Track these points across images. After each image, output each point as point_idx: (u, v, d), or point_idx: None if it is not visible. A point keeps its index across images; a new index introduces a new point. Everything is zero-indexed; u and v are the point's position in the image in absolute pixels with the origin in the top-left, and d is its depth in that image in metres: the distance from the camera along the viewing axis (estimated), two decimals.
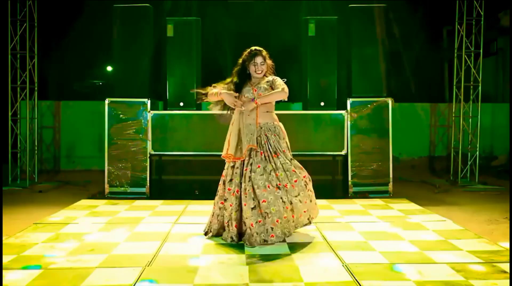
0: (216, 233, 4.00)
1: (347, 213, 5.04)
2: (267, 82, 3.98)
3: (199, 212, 5.05)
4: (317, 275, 3.09)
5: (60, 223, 4.56)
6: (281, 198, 3.78)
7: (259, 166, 3.83)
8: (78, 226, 4.44)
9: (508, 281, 2.96)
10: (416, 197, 5.96)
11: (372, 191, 6.16)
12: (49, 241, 3.91)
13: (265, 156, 3.87)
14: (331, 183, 6.13)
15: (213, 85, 4.08)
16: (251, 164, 3.85)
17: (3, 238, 3.94)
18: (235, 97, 3.93)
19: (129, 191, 6.11)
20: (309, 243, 3.87)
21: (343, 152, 6.14)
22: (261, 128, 3.94)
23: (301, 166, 4.01)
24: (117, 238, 4.00)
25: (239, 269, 3.22)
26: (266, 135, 3.93)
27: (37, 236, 4.05)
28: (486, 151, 8.85)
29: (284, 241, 3.85)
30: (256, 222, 3.75)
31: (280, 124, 4.06)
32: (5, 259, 3.38)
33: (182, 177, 6.11)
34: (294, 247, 3.73)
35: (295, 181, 3.88)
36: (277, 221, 3.76)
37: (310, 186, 4.02)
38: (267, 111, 3.97)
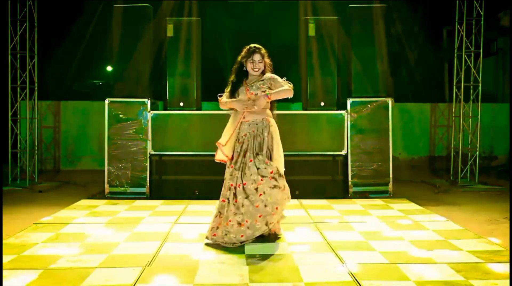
0: None
1: (347, 213, 5.04)
2: (262, 80, 3.95)
3: (199, 212, 5.06)
4: (317, 275, 3.09)
5: (60, 223, 4.56)
6: (228, 199, 3.83)
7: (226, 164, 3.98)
8: (78, 226, 4.44)
9: (508, 281, 2.96)
10: (416, 197, 5.96)
11: (372, 191, 6.16)
12: (49, 241, 3.91)
13: (239, 153, 3.88)
14: (331, 183, 6.12)
15: (219, 94, 4.07)
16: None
17: (3, 238, 3.94)
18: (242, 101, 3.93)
19: (129, 191, 6.11)
20: (309, 243, 3.88)
21: (343, 152, 6.14)
22: (246, 125, 3.94)
23: (270, 171, 3.74)
24: (117, 238, 4.01)
25: (239, 269, 3.22)
26: (248, 132, 3.90)
27: (37, 236, 4.05)
28: (486, 151, 8.86)
29: (233, 244, 3.72)
30: (213, 219, 3.94)
31: (271, 119, 3.97)
32: (5, 259, 3.38)
33: (182, 177, 6.10)
34: (294, 247, 3.73)
35: (244, 184, 3.75)
36: (219, 220, 3.86)
37: (268, 190, 3.72)
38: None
